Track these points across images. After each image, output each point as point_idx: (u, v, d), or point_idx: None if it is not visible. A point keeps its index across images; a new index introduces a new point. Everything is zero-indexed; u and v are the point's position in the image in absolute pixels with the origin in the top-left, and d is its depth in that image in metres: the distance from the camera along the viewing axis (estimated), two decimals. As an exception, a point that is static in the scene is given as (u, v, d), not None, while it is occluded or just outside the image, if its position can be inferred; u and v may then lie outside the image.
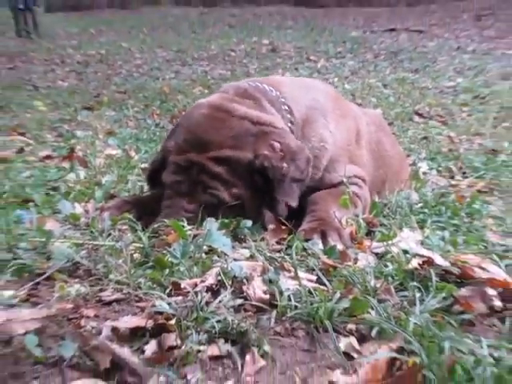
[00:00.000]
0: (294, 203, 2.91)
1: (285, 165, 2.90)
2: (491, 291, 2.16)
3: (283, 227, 2.90)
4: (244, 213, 2.90)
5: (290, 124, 3.16)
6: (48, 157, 4.83)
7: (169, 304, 2.05)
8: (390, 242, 2.63)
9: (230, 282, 2.23)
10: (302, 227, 2.90)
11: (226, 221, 2.82)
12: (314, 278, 2.30)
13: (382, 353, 1.81)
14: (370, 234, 2.93)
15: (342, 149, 3.33)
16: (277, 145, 2.92)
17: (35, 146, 5.47)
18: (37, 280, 2.27)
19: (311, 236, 2.78)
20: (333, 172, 3.26)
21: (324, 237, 2.78)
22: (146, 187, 3.71)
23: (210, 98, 3.17)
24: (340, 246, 2.67)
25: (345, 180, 3.18)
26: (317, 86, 3.61)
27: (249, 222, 2.84)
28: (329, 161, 3.25)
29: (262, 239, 2.78)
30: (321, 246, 2.70)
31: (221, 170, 2.88)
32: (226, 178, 2.88)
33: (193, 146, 2.95)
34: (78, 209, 3.15)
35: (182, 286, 2.17)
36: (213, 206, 2.87)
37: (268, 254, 2.53)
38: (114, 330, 1.92)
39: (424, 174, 4.34)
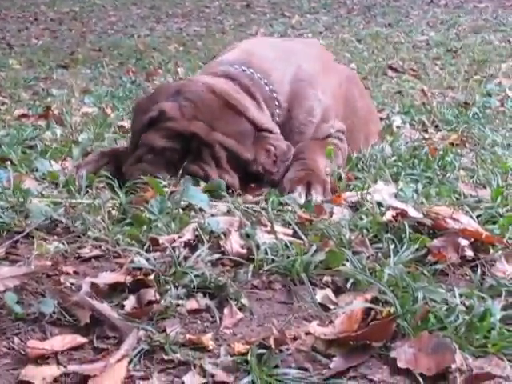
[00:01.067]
0: None
1: (275, 169, 3.01)
2: (463, 241, 2.19)
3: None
4: None
5: (277, 118, 3.21)
6: (24, 115, 4.80)
7: (147, 260, 2.07)
8: (364, 193, 2.66)
9: (208, 237, 2.25)
10: (289, 175, 2.96)
11: (203, 184, 2.83)
12: (290, 231, 2.33)
13: (358, 303, 1.84)
14: (345, 187, 2.96)
15: (329, 109, 3.38)
16: (272, 150, 3.01)
17: (11, 104, 5.44)
18: (15, 238, 2.28)
19: (295, 187, 2.83)
20: (319, 131, 3.31)
21: (309, 189, 2.82)
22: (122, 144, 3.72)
23: (218, 85, 3.12)
24: (320, 199, 2.71)
25: (332, 131, 3.29)
26: (299, 49, 3.61)
27: (223, 184, 2.85)
28: (316, 125, 3.30)
29: (239, 195, 2.80)
30: (303, 199, 2.74)
31: (222, 155, 2.94)
32: (223, 164, 2.94)
33: (199, 121, 2.96)
34: (56, 167, 3.15)
35: (160, 242, 2.19)
36: (196, 180, 2.88)
37: (244, 209, 2.55)
38: (93, 286, 1.94)
39: (397, 127, 4.35)
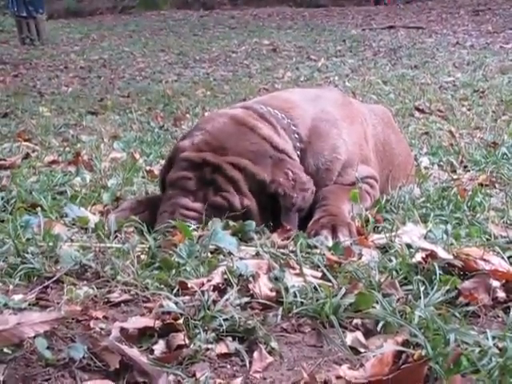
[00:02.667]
0: (295, 229, 2.95)
1: (295, 195, 2.96)
2: (495, 283, 2.17)
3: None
4: None
5: (298, 152, 3.18)
6: (54, 162, 4.85)
7: (176, 304, 2.07)
8: (393, 234, 2.65)
9: (237, 281, 2.25)
10: (313, 222, 2.94)
11: (231, 223, 2.83)
12: (319, 274, 2.32)
13: (388, 346, 1.83)
14: (374, 229, 2.94)
15: (354, 154, 3.35)
16: (290, 174, 2.98)
17: (41, 151, 5.49)
18: (46, 283, 2.29)
19: (322, 232, 2.81)
20: (345, 175, 3.28)
21: (335, 233, 2.81)
22: (151, 189, 3.74)
23: (233, 111, 3.21)
24: (349, 242, 2.69)
25: (356, 174, 3.23)
26: (324, 94, 3.61)
27: (252, 224, 2.85)
28: (342, 167, 3.28)
29: (268, 238, 2.79)
30: (330, 242, 2.73)
31: (237, 176, 2.92)
32: (240, 185, 2.93)
33: (210, 147, 2.98)
34: (85, 212, 3.17)
35: (189, 286, 2.19)
36: (219, 209, 2.89)
37: (273, 252, 2.55)
38: (123, 330, 1.94)
39: (426, 168, 4.34)
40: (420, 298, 2.07)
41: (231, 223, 2.82)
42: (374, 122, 3.74)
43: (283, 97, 3.51)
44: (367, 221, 2.98)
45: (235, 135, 3.00)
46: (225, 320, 1.96)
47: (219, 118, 3.13)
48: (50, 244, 2.56)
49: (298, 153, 3.18)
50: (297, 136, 3.20)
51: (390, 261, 2.42)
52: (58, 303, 2.14)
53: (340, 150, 3.27)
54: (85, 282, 2.32)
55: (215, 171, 2.94)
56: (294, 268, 2.35)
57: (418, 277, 2.23)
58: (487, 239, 2.70)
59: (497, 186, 3.92)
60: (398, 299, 2.11)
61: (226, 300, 2.08)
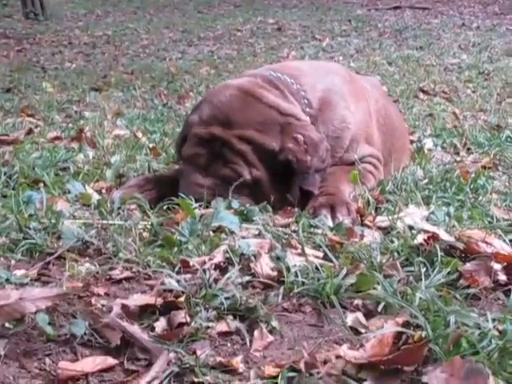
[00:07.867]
0: (316, 191, 2.97)
1: (308, 158, 2.96)
2: (496, 265, 2.17)
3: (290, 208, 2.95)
4: (259, 197, 2.94)
5: (308, 117, 3.18)
6: (57, 138, 4.83)
7: (178, 282, 2.08)
8: (395, 217, 2.65)
9: (238, 260, 2.26)
10: (312, 203, 2.94)
11: (235, 206, 2.83)
12: (321, 254, 2.33)
13: (389, 327, 1.83)
14: (376, 210, 2.94)
15: (360, 130, 3.38)
16: (300, 137, 2.97)
17: (44, 127, 5.47)
18: (48, 259, 2.30)
19: (320, 211, 2.82)
20: (351, 151, 3.30)
21: (333, 212, 2.81)
22: (154, 166, 3.74)
23: (239, 81, 3.22)
24: (348, 221, 2.70)
25: (355, 157, 3.23)
26: (333, 69, 3.63)
27: (256, 211, 2.84)
28: (350, 140, 3.29)
29: (270, 217, 2.79)
30: (330, 221, 2.73)
31: (244, 148, 2.94)
32: (249, 157, 2.93)
33: (218, 121, 2.99)
34: (88, 189, 3.17)
35: (191, 264, 2.19)
36: (229, 183, 2.89)
37: (275, 232, 2.55)
38: (124, 307, 1.95)
39: (429, 150, 4.33)
40: (421, 279, 2.07)
41: (234, 206, 2.82)
42: (376, 95, 3.75)
43: (293, 65, 3.54)
44: (368, 202, 2.97)
45: (241, 107, 3.01)
46: (226, 298, 1.96)
47: (225, 89, 3.13)
48: (53, 220, 2.57)
49: (308, 118, 3.18)
50: (306, 101, 3.22)
51: (392, 242, 2.42)
52: (59, 279, 2.15)
53: (349, 120, 3.30)
54: (87, 259, 2.33)
55: (223, 145, 2.95)
56: (295, 248, 2.36)
57: (420, 258, 2.24)
58: (489, 222, 2.70)
59: (500, 168, 3.92)
60: (399, 280, 2.12)
61: (228, 279, 2.08)
